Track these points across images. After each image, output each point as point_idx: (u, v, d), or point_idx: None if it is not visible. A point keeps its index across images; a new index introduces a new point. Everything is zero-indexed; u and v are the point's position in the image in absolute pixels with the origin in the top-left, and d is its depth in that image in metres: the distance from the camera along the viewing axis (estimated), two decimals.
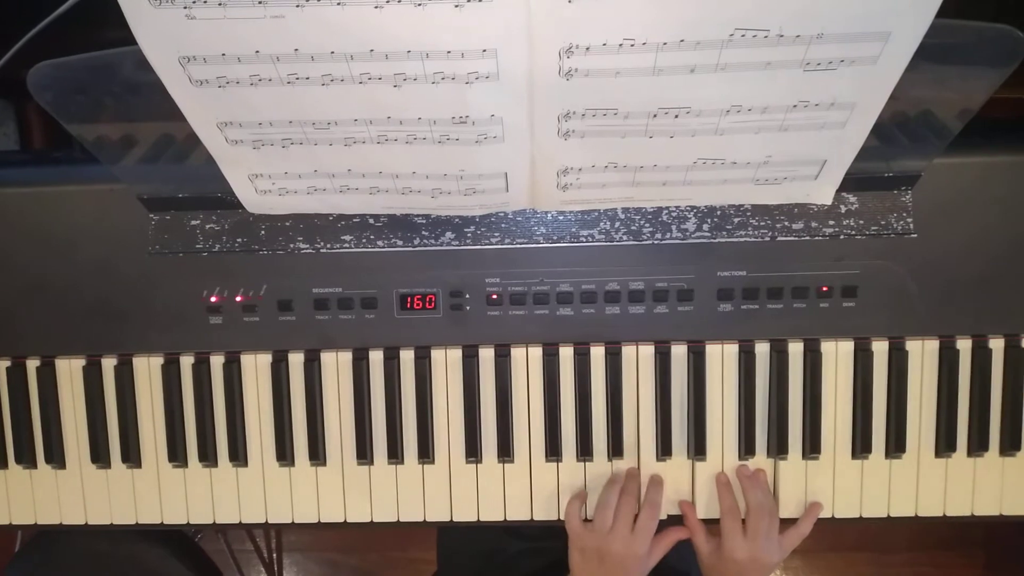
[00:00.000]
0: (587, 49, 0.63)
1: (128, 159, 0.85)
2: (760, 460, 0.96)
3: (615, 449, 0.96)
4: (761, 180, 0.81)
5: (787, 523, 0.95)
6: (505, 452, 0.97)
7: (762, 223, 0.89)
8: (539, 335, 0.95)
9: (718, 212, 0.89)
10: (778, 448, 0.95)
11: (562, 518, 0.97)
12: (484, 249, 0.91)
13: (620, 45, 0.62)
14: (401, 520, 0.99)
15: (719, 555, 0.93)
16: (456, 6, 0.59)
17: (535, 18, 0.60)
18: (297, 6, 0.59)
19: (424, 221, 0.91)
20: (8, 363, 0.99)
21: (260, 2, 0.59)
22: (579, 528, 0.94)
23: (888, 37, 0.62)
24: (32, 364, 0.99)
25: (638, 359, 0.96)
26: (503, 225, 0.91)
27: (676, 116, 0.70)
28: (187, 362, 0.98)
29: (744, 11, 0.60)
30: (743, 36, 0.62)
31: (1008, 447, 0.95)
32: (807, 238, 0.89)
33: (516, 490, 0.99)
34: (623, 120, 0.71)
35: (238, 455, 0.98)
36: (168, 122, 0.75)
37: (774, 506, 0.95)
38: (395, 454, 0.97)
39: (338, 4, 0.59)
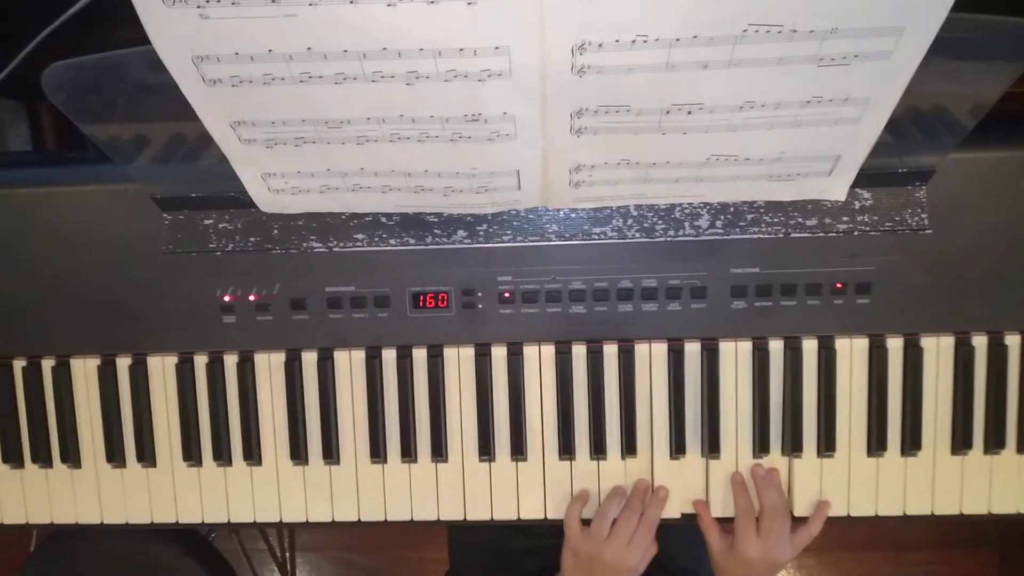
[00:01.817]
0: (600, 46, 0.62)
1: (141, 159, 0.86)
2: (774, 458, 0.96)
3: (628, 447, 0.96)
4: (774, 176, 0.81)
5: (799, 522, 0.94)
6: (518, 451, 0.97)
7: (775, 220, 0.89)
8: (552, 333, 0.95)
9: (731, 209, 0.89)
10: (793, 446, 0.95)
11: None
12: (496, 247, 0.91)
13: (633, 42, 0.62)
14: (415, 519, 0.99)
15: (732, 554, 0.93)
16: (469, 3, 0.59)
17: (548, 15, 0.60)
18: (310, 4, 0.59)
19: (436, 219, 0.91)
20: (24, 363, 1.00)
21: (273, 1, 0.59)
22: (577, 531, 0.94)
23: (902, 32, 0.62)
24: (47, 364, 1.00)
25: (651, 357, 0.95)
26: (515, 223, 0.91)
27: (689, 112, 0.70)
28: (201, 361, 0.98)
29: (757, 7, 0.60)
30: (756, 32, 0.61)
31: None
32: (821, 234, 0.89)
33: (529, 489, 0.99)
34: (636, 117, 0.71)
35: (252, 454, 0.98)
36: (181, 121, 0.76)
37: (787, 506, 0.95)
38: (408, 453, 0.97)
39: (351, 2, 0.59)
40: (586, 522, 0.96)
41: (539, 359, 0.96)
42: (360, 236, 0.91)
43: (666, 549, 0.96)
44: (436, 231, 0.91)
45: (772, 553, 0.92)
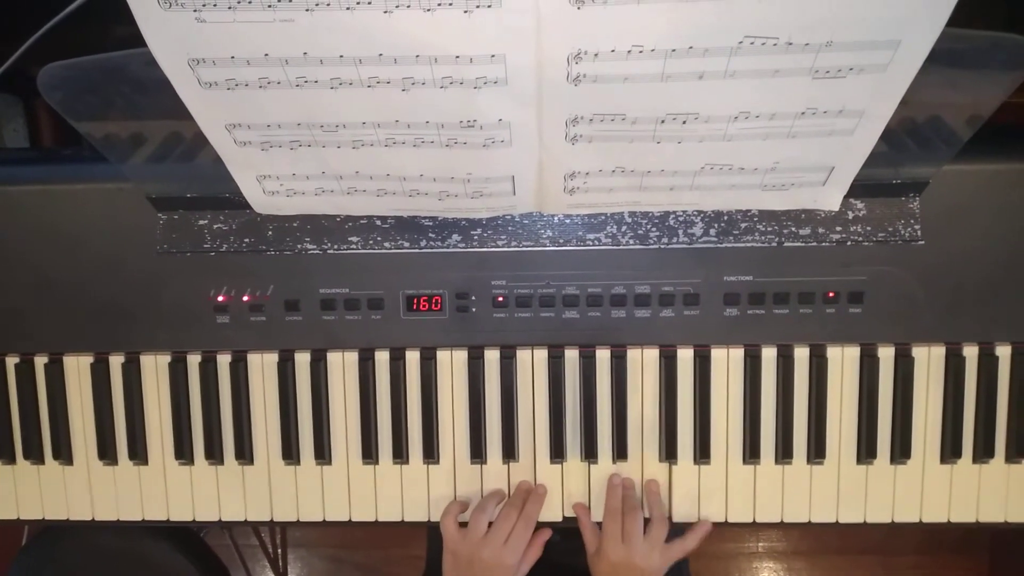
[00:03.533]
0: (596, 55, 0.63)
1: (137, 158, 0.86)
2: (765, 465, 0.96)
3: (619, 452, 0.96)
4: (769, 186, 0.81)
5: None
6: (510, 453, 0.97)
7: (769, 228, 0.89)
8: (544, 337, 0.95)
9: (725, 217, 0.89)
10: (783, 453, 0.95)
11: (568, 515, 0.97)
12: (490, 251, 0.91)
13: (629, 52, 0.62)
14: (406, 520, 1.00)
15: (599, 556, 0.93)
16: (465, 11, 0.59)
17: (544, 24, 0.60)
18: (307, 10, 0.59)
19: (431, 223, 0.91)
20: (17, 360, 1.00)
21: (270, 6, 0.59)
22: (454, 532, 0.94)
23: (898, 45, 0.62)
24: (40, 361, 1.00)
25: (643, 363, 0.95)
26: (510, 228, 0.91)
27: (684, 122, 0.70)
28: (194, 361, 0.98)
29: (753, 19, 0.60)
30: (752, 44, 0.62)
31: (1014, 454, 0.95)
32: (814, 244, 0.89)
33: None
34: (631, 125, 0.71)
35: (244, 453, 0.98)
36: (177, 122, 0.76)
37: (664, 514, 0.95)
38: (400, 454, 0.97)
39: (347, 9, 0.59)
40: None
41: (532, 363, 0.96)
42: (354, 239, 0.92)
43: None
44: (431, 235, 0.91)
45: (635, 558, 0.91)
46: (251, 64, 0.65)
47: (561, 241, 0.91)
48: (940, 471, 0.96)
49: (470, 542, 0.93)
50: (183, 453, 0.99)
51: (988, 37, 0.68)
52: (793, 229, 0.89)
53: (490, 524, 0.94)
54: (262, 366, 0.98)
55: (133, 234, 0.93)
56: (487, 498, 0.97)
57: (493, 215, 0.89)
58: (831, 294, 0.91)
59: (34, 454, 1.01)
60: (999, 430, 0.95)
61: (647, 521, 0.94)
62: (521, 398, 0.97)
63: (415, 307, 0.93)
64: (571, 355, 0.96)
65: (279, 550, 1.85)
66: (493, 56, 0.63)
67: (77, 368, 0.99)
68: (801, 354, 0.95)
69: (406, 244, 0.91)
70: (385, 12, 0.59)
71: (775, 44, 0.62)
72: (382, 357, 0.97)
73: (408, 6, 0.59)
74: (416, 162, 0.76)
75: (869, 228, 0.89)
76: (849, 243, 0.89)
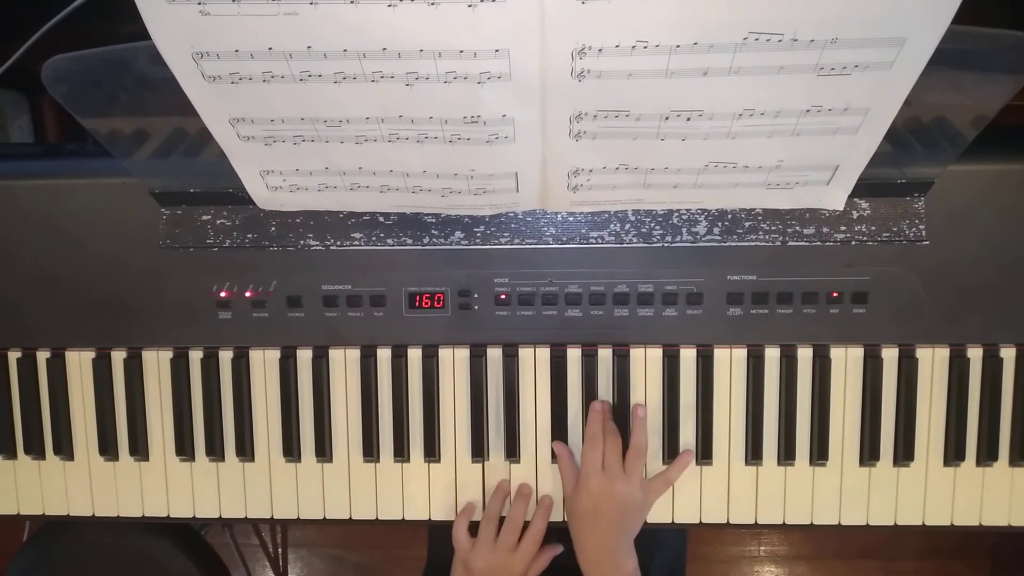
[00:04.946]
0: (600, 51, 0.62)
1: (140, 153, 0.86)
2: (767, 466, 0.96)
3: None
4: (773, 184, 0.81)
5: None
6: (511, 452, 0.97)
7: (773, 227, 0.89)
8: (547, 336, 0.95)
9: (729, 216, 0.89)
10: (786, 454, 0.95)
11: (566, 519, 0.97)
12: (493, 249, 0.91)
13: (633, 47, 0.62)
14: (406, 518, 0.99)
15: (578, 489, 0.92)
16: (469, 6, 0.59)
17: (548, 19, 0.60)
18: (311, 3, 0.59)
19: (434, 220, 0.91)
20: (19, 354, 1.00)
21: None
22: (465, 542, 0.94)
23: (903, 43, 0.62)
24: (42, 356, 1.00)
25: (646, 362, 0.95)
26: (513, 225, 0.91)
27: (688, 119, 0.70)
28: (196, 356, 0.98)
29: (758, 15, 0.60)
30: (757, 40, 0.61)
31: (1018, 457, 0.94)
32: (818, 243, 0.89)
33: None
34: (635, 122, 0.71)
35: (245, 450, 0.98)
36: (181, 117, 0.76)
37: (641, 445, 0.93)
38: (401, 452, 0.97)
39: (351, 2, 0.59)
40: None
41: (534, 361, 0.96)
42: (357, 235, 0.91)
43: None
44: (433, 232, 0.91)
45: (616, 485, 0.90)
46: (255, 58, 0.65)
47: (564, 239, 0.91)
48: (943, 474, 0.96)
49: (479, 552, 0.93)
50: (184, 449, 0.99)
51: (994, 36, 0.67)
52: (797, 228, 0.89)
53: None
54: (264, 363, 0.98)
55: (136, 229, 0.93)
56: (491, 505, 0.97)
57: (496, 212, 0.89)
58: (835, 294, 0.90)
59: (35, 449, 1.01)
60: (1003, 433, 0.94)
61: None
62: (523, 397, 0.97)
63: (417, 304, 0.93)
64: (573, 354, 0.96)
65: (279, 549, 1.85)
66: (497, 51, 0.63)
67: (79, 363, 0.99)
68: (804, 354, 0.94)
69: (409, 241, 0.91)
70: (389, 6, 0.59)
71: (780, 40, 0.61)
72: (384, 354, 0.97)
73: (412, 0, 0.59)
74: (419, 158, 0.76)
75: (873, 228, 0.88)
76: (853, 243, 0.89)
